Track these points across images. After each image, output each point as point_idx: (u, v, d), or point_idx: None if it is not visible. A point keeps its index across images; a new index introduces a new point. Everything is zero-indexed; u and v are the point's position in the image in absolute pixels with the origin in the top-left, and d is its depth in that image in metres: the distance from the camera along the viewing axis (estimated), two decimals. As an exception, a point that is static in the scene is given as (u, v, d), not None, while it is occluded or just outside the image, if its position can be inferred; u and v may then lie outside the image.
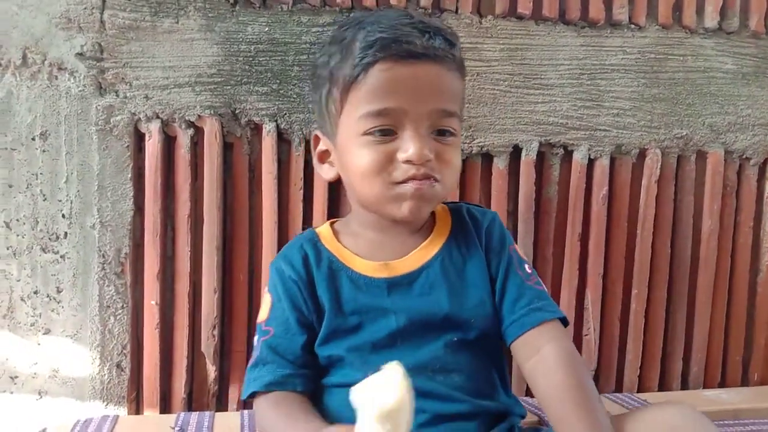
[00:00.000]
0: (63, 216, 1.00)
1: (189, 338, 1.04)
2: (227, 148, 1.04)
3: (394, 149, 0.73)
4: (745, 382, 1.26)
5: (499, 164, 1.10)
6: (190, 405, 1.06)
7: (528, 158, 1.11)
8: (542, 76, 1.11)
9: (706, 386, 1.23)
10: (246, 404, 1.07)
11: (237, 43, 1.01)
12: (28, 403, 1.02)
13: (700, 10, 1.16)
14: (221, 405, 1.07)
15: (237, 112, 1.03)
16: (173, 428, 0.92)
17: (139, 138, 1.02)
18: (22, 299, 1.01)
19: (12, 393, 1.02)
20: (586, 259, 1.15)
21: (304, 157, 1.05)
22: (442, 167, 0.75)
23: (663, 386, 1.21)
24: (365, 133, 0.74)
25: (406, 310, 0.76)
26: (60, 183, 1.00)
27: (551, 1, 1.09)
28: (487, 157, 1.11)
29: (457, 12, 1.06)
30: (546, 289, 0.83)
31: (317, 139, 0.86)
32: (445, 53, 0.75)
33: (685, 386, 1.22)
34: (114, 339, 1.02)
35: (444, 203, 0.88)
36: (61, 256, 1.01)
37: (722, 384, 1.24)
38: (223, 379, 1.07)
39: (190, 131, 1.02)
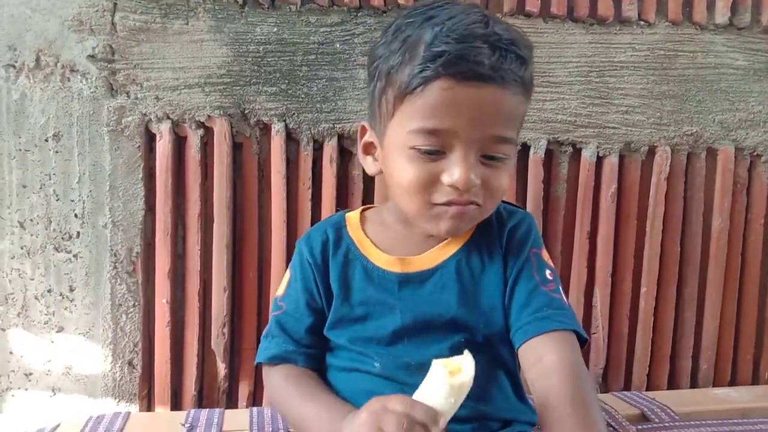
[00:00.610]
0: (75, 216, 1.02)
1: (199, 336, 1.05)
2: (237, 147, 1.05)
3: (440, 170, 0.70)
4: (755, 380, 1.25)
5: (508, 162, 1.10)
6: (201, 402, 1.07)
7: (536, 156, 1.11)
8: (551, 74, 1.11)
9: (715, 384, 1.22)
10: (255, 401, 1.08)
11: (246, 43, 1.02)
12: (42, 400, 1.04)
13: (710, 6, 1.15)
14: (231, 402, 1.09)
15: (246, 112, 1.03)
16: (184, 425, 0.93)
17: (150, 138, 1.03)
18: (35, 298, 1.02)
19: (26, 390, 1.03)
20: (594, 257, 1.15)
21: (313, 156, 1.05)
22: (486, 193, 0.71)
23: (672, 384, 1.21)
24: (413, 148, 0.70)
25: (412, 309, 0.76)
26: (72, 183, 1.01)
27: (560, -1, 1.09)
28: (496, 156, 1.11)
29: (464, 11, 1.06)
30: (564, 299, 0.78)
31: (364, 129, 0.81)
32: (513, 76, 0.69)
33: (694, 384, 1.22)
34: (126, 337, 1.04)
35: None
36: (73, 256, 1.02)
37: (732, 382, 1.24)
38: (233, 377, 1.08)
39: (200, 131, 1.03)
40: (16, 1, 0.98)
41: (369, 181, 1.08)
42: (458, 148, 0.69)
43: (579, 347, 0.73)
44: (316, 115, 1.04)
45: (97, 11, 0.98)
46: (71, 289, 1.03)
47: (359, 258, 0.79)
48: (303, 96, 1.04)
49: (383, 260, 0.79)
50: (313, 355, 0.81)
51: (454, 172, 0.68)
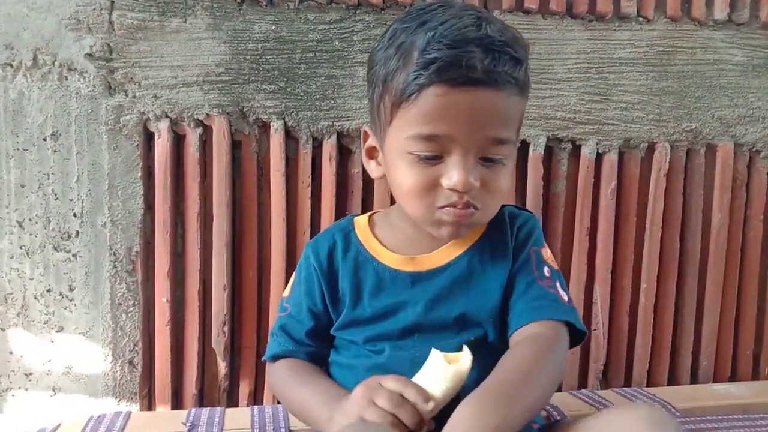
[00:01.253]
0: (74, 215, 1.02)
1: (200, 335, 1.05)
2: (235, 146, 1.05)
3: (439, 174, 0.70)
4: (755, 376, 1.25)
5: (507, 160, 1.10)
6: (201, 401, 1.07)
7: (536, 153, 1.11)
8: (550, 71, 1.10)
9: (715, 380, 1.23)
10: (256, 399, 1.08)
11: (244, 41, 1.02)
12: (42, 400, 1.03)
13: (709, 2, 1.15)
14: (232, 401, 1.08)
15: (245, 110, 1.03)
16: (185, 424, 0.93)
17: (149, 137, 1.03)
18: (35, 297, 1.02)
19: (27, 390, 1.03)
20: (594, 253, 1.15)
21: (312, 154, 1.05)
22: (486, 195, 0.72)
23: (672, 380, 1.21)
24: (411, 153, 0.71)
25: (424, 304, 0.77)
26: (71, 182, 1.01)
27: (558, -5, 1.09)
28: (495, 153, 1.11)
29: (463, 7, 1.06)
30: (562, 295, 0.78)
31: (366, 134, 0.82)
32: (508, 77, 0.69)
33: (694, 380, 1.22)
34: (126, 336, 1.03)
35: None
36: (73, 255, 1.02)
37: (732, 378, 1.24)
38: (234, 375, 1.08)
39: (199, 130, 1.02)
40: (13, -1, 0.97)
41: (369, 179, 1.07)
42: (456, 152, 0.69)
43: (566, 337, 0.74)
44: (315, 112, 1.04)
45: (94, 9, 0.98)
46: (71, 289, 1.02)
47: (370, 261, 0.80)
48: (302, 94, 1.04)
49: (394, 260, 0.79)
50: (315, 353, 0.83)
51: (452, 175, 0.69)
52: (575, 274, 1.14)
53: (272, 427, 0.92)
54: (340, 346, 0.82)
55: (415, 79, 0.68)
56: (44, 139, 1.00)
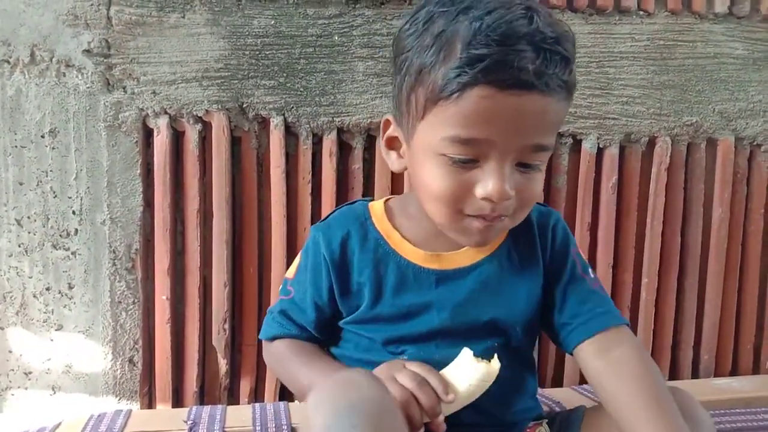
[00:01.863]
0: (73, 213, 1.01)
1: (200, 332, 1.05)
2: (235, 142, 1.04)
3: (473, 181, 0.64)
4: (756, 370, 1.26)
5: (508, 155, 1.10)
6: (202, 399, 1.07)
7: (536, 148, 1.11)
8: (550, 65, 1.10)
9: (717, 375, 1.23)
10: (257, 397, 1.08)
11: (243, 36, 1.01)
12: (42, 399, 1.03)
13: (709, -4, 1.15)
14: (233, 398, 1.08)
15: (244, 106, 1.02)
16: (186, 422, 0.93)
17: (148, 134, 1.02)
18: (34, 296, 1.02)
19: (26, 389, 1.03)
20: (595, 248, 1.15)
21: (312, 150, 1.05)
22: (519, 203, 0.67)
23: (674, 375, 1.21)
24: (444, 155, 0.65)
25: (451, 308, 0.72)
26: (70, 180, 1.00)
27: (559, -11, 1.08)
28: (496, 148, 1.11)
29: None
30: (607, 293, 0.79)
31: (388, 123, 0.74)
32: (558, 81, 0.63)
33: (695, 375, 1.22)
34: (126, 334, 1.03)
35: None
36: (72, 253, 1.01)
37: (733, 372, 1.24)
38: (235, 373, 1.08)
39: (198, 126, 1.02)
40: (10, -5, 0.96)
41: (369, 174, 1.07)
42: (494, 158, 0.63)
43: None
44: (314, 108, 1.04)
45: (92, 5, 0.97)
46: (70, 287, 1.02)
47: (391, 254, 0.74)
48: (301, 89, 1.03)
49: (417, 256, 0.74)
50: (316, 340, 0.79)
51: (488, 184, 0.63)
52: (576, 269, 1.14)
53: (274, 425, 0.92)
54: (351, 340, 0.77)
55: (458, 76, 0.61)
56: (42, 136, 0.99)
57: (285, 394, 1.06)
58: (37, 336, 1.02)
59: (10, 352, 1.02)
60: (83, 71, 0.98)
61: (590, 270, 0.78)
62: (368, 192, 1.07)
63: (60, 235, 1.01)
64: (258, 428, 0.91)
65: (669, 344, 1.20)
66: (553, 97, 0.63)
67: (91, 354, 1.03)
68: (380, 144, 0.76)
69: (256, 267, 1.06)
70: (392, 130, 0.74)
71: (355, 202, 0.81)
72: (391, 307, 0.73)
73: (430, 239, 0.74)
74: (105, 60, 0.98)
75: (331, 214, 0.80)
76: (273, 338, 0.79)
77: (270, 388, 1.07)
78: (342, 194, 1.06)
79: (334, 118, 1.04)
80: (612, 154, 1.13)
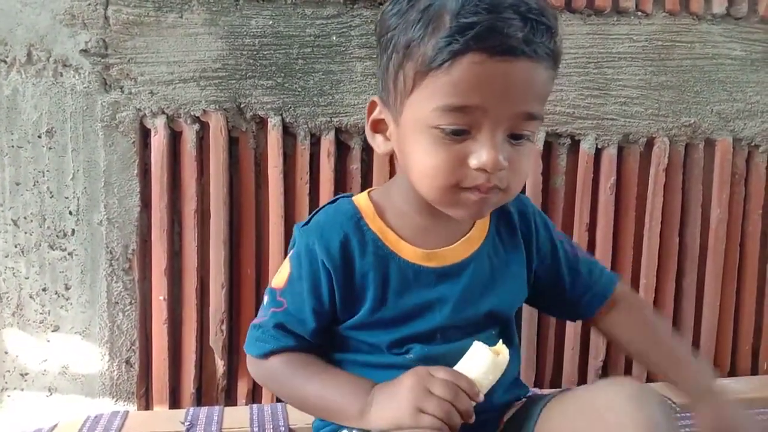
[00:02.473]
0: (70, 213, 1.01)
1: (197, 333, 1.04)
2: (233, 142, 1.04)
3: (466, 152, 0.64)
4: (755, 371, 1.26)
5: (506, 155, 1.10)
6: (199, 400, 1.06)
7: (535, 148, 1.11)
8: (548, 66, 1.10)
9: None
10: (255, 398, 1.07)
11: (241, 36, 1.01)
12: (39, 400, 1.02)
13: (707, -3, 1.15)
14: (230, 399, 1.08)
15: (242, 106, 1.02)
16: (183, 423, 0.92)
17: (145, 134, 1.02)
18: (30, 297, 1.01)
19: (22, 390, 1.02)
20: (594, 249, 1.15)
21: (310, 150, 1.05)
22: (512, 176, 0.67)
23: (672, 376, 1.21)
24: (436, 127, 0.64)
25: (452, 305, 0.73)
26: (66, 180, 1.00)
27: (557, -11, 1.08)
28: (494, 148, 1.11)
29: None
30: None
31: (374, 104, 0.73)
32: (545, 49, 0.64)
33: (694, 376, 1.22)
34: (123, 335, 1.02)
35: None
36: (68, 253, 1.01)
37: (732, 373, 1.24)
38: (232, 374, 1.07)
39: (196, 126, 1.02)
40: (7, -5, 0.96)
41: (367, 174, 1.07)
42: (486, 127, 0.64)
43: None
44: (312, 108, 1.03)
45: (89, 5, 0.97)
46: (67, 288, 1.01)
47: (391, 256, 0.73)
48: (299, 89, 1.03)
49: (415, 255, 0.73)
50: (316, 349, 0.76)
51: (482, 153, 0.63)
52: (575, 269, 1.13)
53: (271, 426, 0.91)
54: (351, 344, 0.75)
55: (448, 45, 0.61)
56: (39, 136, 0.99)
57: (283, 396, 1.06)
58: (33, 337, 1.02)
59: (7, 353, 1.01)
60: (80, 71, 0.98)
61: (570, 240, 0.84)
62: (366, 192, 1.07)
63: (57, 236, 1.01)
64: (255, 429, 0.90)
65: (667, 345, 1.20)
66: (541, 64, 0.64)
67: (88, 355, 1.02)
68: (366, 127, 0.75)
69: (254, 268, 1.06)
70: (378, 113, 0.73)
71: (336, 200, 0.78)
72: (394, 309, 0.72)
73: (422, 236, 0.74)
74: (102, 60, 0.98)
75: (314, 215, 0.77)
76: (268, 354, 0.75)
77: (268, 389, 1.06)
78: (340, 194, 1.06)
79: (332, 119, 1.04)
80: (610, 154, 1.13)
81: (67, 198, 1.00)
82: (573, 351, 1.15)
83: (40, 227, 1.00)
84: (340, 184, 1.06)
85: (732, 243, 1.21)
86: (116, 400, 1.03)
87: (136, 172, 1.01)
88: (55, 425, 0.93)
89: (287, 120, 1.03)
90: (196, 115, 1.01)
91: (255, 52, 1.02)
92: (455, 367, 0.66)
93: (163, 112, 1.00)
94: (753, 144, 1.20)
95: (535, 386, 1.13)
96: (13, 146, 0.99)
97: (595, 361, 1.16)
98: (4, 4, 0.96)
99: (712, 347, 1.22)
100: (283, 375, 0.75)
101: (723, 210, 1.19)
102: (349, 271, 0.72)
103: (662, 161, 1.15)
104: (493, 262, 0.76)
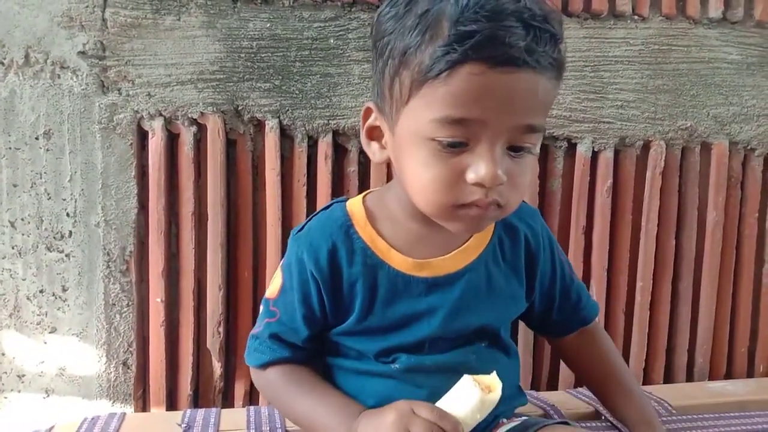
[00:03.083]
0: (67, 215, 1.01)
1: (194, 335, 1.04)
2: (230, 145, 1.04)
3: (464, 165, 0.62)
4: (750, 373, 1.26)
5: (503, 158, 1.10)
6: (196, 402, 1.06)
7: (532, 152, 1.11)
8: (545, 69, 1.10)
9: (711, 378, 1.23)
10: (252, 400, 1.08)
11: (239, 39, 1.01)
12: (36, 402, 1.02)
13: (704, 1, 1.15)
14: (227, 401, 1.08)
15: (240, 108, 1.02)
16: (180, 425, 0.92)
17: (143, 136, 1.02)
18: (27, 298, 1.01)
19: (19, 392, 1.02)
20: (590, 252, 1.15)
21: (307, 152, 1.05)
22: (511, 191, 0.64)
23: (668, 379, 1.21)
24: (433, 139, 0.62)
25: (442, 317, 0.71)
26: (64, 182, 1.00)
27: (554, -7, 1.09)
28: (491, 151, 1.11)
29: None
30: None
31: (369, 111, 0.71)
32: (549, 59, 0.61)
33: (690, 378, 1.22)
34: (120, 337, 1.02)
35: None
36: (66, 255, 1.01)
37: (728, 376, 1.24)
38: (229, 376, 1.07)
39: (193, 128, 1.02)
40: (5, -3, 0.96)
41: (365, 177, 1.07)
42: (485, 140, 0.61)
43: None
44: (310, 111, 1.04)
45: (87, 7, 0.97)
46: (64, 289, 1.02)
47: (380, 265, 0.71)
48: (297, 92, 1.03)
49: (406, 265, 0.71)
50: (312, 355, 0.77)
51: (480, 167, 0.61)
52: (571, 272, 1.14)
53: (268, 428, 0.91)
54: (342, 352, 0.75)
55: (446, 54, 0.58)
56: (37, 138, 0.99)
57: (279, 398, 1.06)
58: (30, 338, 1.02)
59: (3, 354, 1.01)
60: (78, 73, 0.98)
61: (569, 262, 0.85)
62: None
63: (54, 237, 1.01)
64: (252, 431, 0.90)
65: (663, 347, 1.20)
66: (544, 75, 0.61)
67: (85, 357, 1.02)
68: (361, 135, 0.73)
69: (251, 270, 1.06)
70: (373, 119, 0.70)
71: (332, 204, 0.77)
72: (381, 319, 0.72)
73: (415, 245, 0.72)
74: (100, 62, 0.98)
75: (308, 221, 0.76)
76: (265, 365, 0.76)
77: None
78: (337, 197, 1.05)
79: (330, 121, 1.04)
80: (607, 157, 1.14)
81: (64, 200, 1.00)
82: (569, 353, 1.15)
83: (38, 229, 1.00)
84: (338, 187, 1.07)
85: (728, 246, 1.21)
86: (113, 402, 1.03)
87: (133, 174, 1.01)
88: (52, 427, 0.92)
89: (285, 122, 1.03)
90: (194, 117, 1.01)
91: (252, 55, 1.02)
92: (440, 402, 0.63)
93: (161, 115, 1.00)
94: (749, 147, 1.20)
95: (531, 389, 1.13)
96: (10, 148, 0.99)
97: (592, 363, 1.16)
98: (2, 5, 0.96)
99: (708, 350, 1.22)
100: (278, 388, 0.75)
101: (719, 213, 1.19)
102: (336, 280, 0.71)
103: (659, 164, 1.15)
104: (491, 273, 0.74)
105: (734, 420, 0.98)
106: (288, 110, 1.03)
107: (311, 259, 0.71)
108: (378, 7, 1.04)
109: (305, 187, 1.05)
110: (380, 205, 0.75)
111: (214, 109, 1.01)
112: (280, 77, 1.03)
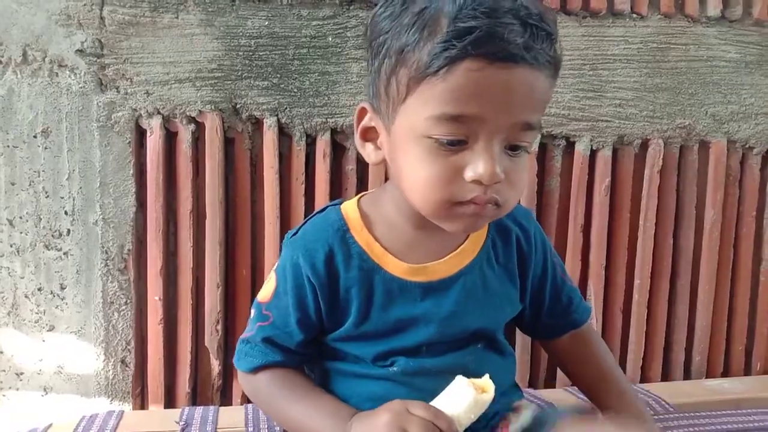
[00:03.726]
0: (66, 213, 1.01)
1: (192, 333, 1.04)
2: (228, 143, 1.04)
3: (462, 164, 0.61)
4: (747, 371, 1.26)
5: (501, 156, 1.10)
6: (195, 400, 1.07)
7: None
8: (544, 68, 1.10)
9: (708, 376, 1.23)
10: (249, 399, 1.07)
11: (237, 37, 1.01)
12: (34, 399, 1.03)
13: (702, -1, 1.15)
14: (225, 399, 1.08)
15: (238, 106, 1.02)
16: (178, 423, 0.92)
17: (141, 134, 1.02)
18: (26, 296, 1.01)
19: (18, 389, 1.02)
20: (588, 250, 1.15)
21: (305, 151, 1.05)
22: (508, 189, 0.64)
23: (666, 376, 1.21)
24: (430, 137, 0.62)
25: (438, 321, 0.71)
26: (62, 180, 1.00)
27: (552, -9, 1.09)
28: (489, 150, 1.11)
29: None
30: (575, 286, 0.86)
31: (363, 111, 0.70)
32: (546, 56, 0.61)
33: (687, 376, 1.22)
34: (118, 335, 1.03)
35: None
36: (64, 253, 1.01)
37: (725, 374, 1.25)
38: (227, 374, 1.07)
39: (191, 127, 1.02)
40: (2, -6, 0.96)
41: (363, 175, 1.07)
42: (483, 137, 0.61)
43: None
44: (308, 109, 1.04)
45: (85, 5, 0.97)
46: (62, 288, 1.02)
47: (376, 270, 0.71)
48: (295, 90, 1.03)
49: (401, 269, 0.71)
50: (305, 359, 0.77)
51: (478, 165, 0.60)
52: (569, 270, 1.12)
53: (266, 426, 0.91)
54: (340, 356, 0.75)
55: (445, 50, 0.58)
56: (35, 136, 0.99)
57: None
58: (28, 336, 1.02)
59: (2, 352, 1.01)
60: (76, 71, 0.98)
61: (562, 264, 0.84)
62: (362, 193, 1.08)
63: (52, 236, 1.01)
64: (250, 429, 0.91)
65: (661, 345, 1.20)
66: (541, 72, 0.61)
67: (83, 355, 1.02)
68: (355, 136, 0.72)
69: (249, 268, 1.06)
70: (368, 120, 0.70)
71: (326, 208, 0.76)
72: (377, 323, 0.71)
73: (411, 249, 0.72)
74: (98, 60, 0.98)
75: (302, 225, 0.76)
76: (257, 368, 0.75)
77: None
78: (335, 195, 1.06)
79: (328, 119, 1.04)
80: (605, 156, 1.14)
81: (62, 198, 1.00)
82: (567, 351, 1.15)
83: (36, 227, 1.00)
84: (336, 185, 1.07)
85: (726, 244, 1.21)
86: (111, 400, 1.03)
87: (131, 172, 1.01)
88: (50, 425, 0.93)
89: (283, 121, 1.03)
90: (192, 115, 1.01)
91: (251, 53, 1.02)
92: (435, 401, 0.64)
93: (159, 113, 1.00)
94: (747, 146, 1.21)
95: (529, 387, 1.14)
96: (8, 146, 0.99)
97: (589, 361, 1.16)
98: (0, 4, 0.96)
99: (705, 348, 1.22)
100: (269, 393, 0.75)
101: (717, 212, 1.19)
102: (333, 285, 0.71)
103: (657, 163, 1.16)
104: (486, 276, 0.74)
105: (731, 418, 0.99)
106: (286, 108, 1.03)
107: (307, 263, 0.71)
108: (377, 5, 1.05)
109: (303, 186, 1.05)
110: (375, 208, 0.75)
111: (213, 107, 1.01)
112: (278, 75, 1.03)
